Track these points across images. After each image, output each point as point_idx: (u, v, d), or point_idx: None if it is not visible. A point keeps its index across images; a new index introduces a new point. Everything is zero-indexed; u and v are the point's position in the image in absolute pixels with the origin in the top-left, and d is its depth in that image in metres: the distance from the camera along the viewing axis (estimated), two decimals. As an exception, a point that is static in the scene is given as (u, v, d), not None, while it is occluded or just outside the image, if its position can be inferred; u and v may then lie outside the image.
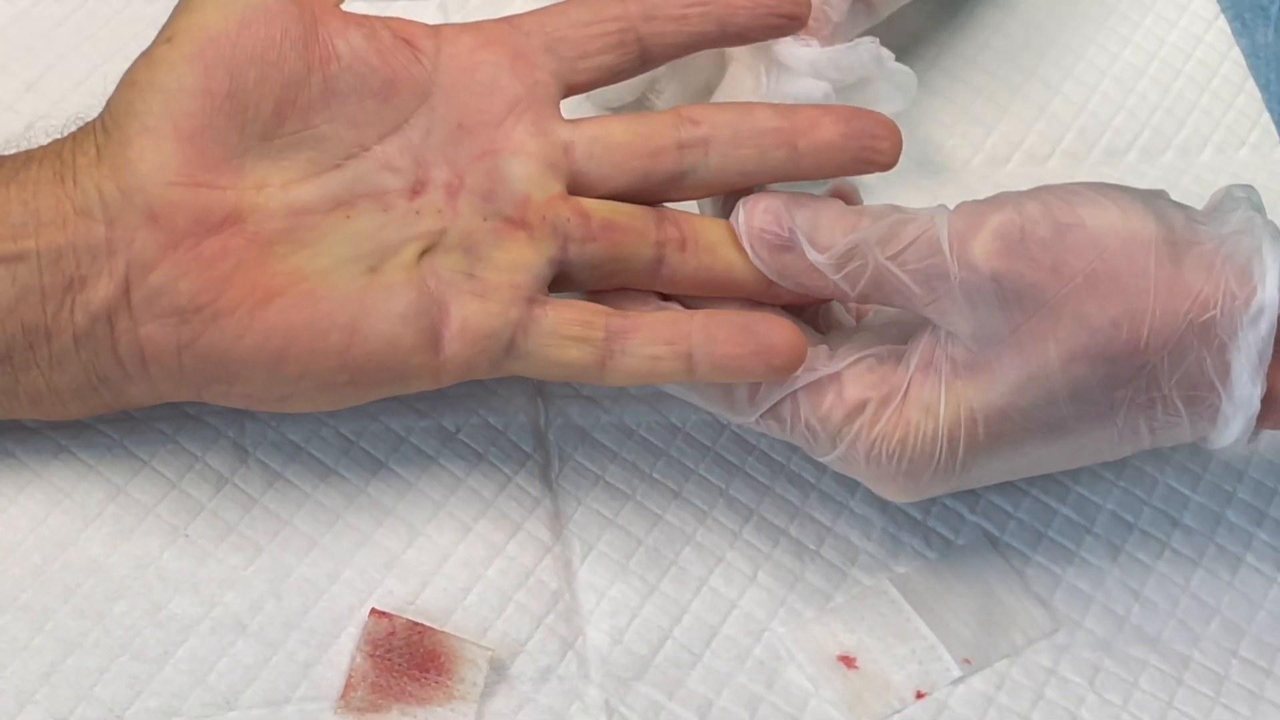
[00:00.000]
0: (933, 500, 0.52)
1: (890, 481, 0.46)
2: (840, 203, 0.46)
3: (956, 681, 0.48)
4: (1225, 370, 0.44)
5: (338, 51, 0.44)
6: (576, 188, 0.46)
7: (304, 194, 0.44)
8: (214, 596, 0.45)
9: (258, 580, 0.46)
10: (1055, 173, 0.59)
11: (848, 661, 0.48)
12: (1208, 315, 0.43)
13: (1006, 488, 0.52)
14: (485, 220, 0.45)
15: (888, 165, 0.48)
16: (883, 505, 0.51)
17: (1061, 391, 0.44)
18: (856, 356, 0.46)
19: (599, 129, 0.47)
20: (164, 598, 0.45)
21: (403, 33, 0.46)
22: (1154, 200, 0.45)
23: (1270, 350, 0.44)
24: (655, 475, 0.50)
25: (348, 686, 0.44)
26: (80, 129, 0.44)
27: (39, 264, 0.42)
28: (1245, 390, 0.44)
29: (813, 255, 0.45)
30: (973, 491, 0.52)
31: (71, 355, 0.43)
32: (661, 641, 0.48)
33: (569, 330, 0.45)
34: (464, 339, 0.44)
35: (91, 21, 0.55)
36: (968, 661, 0.48)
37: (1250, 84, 0.63)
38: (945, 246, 0.44)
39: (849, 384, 0.45)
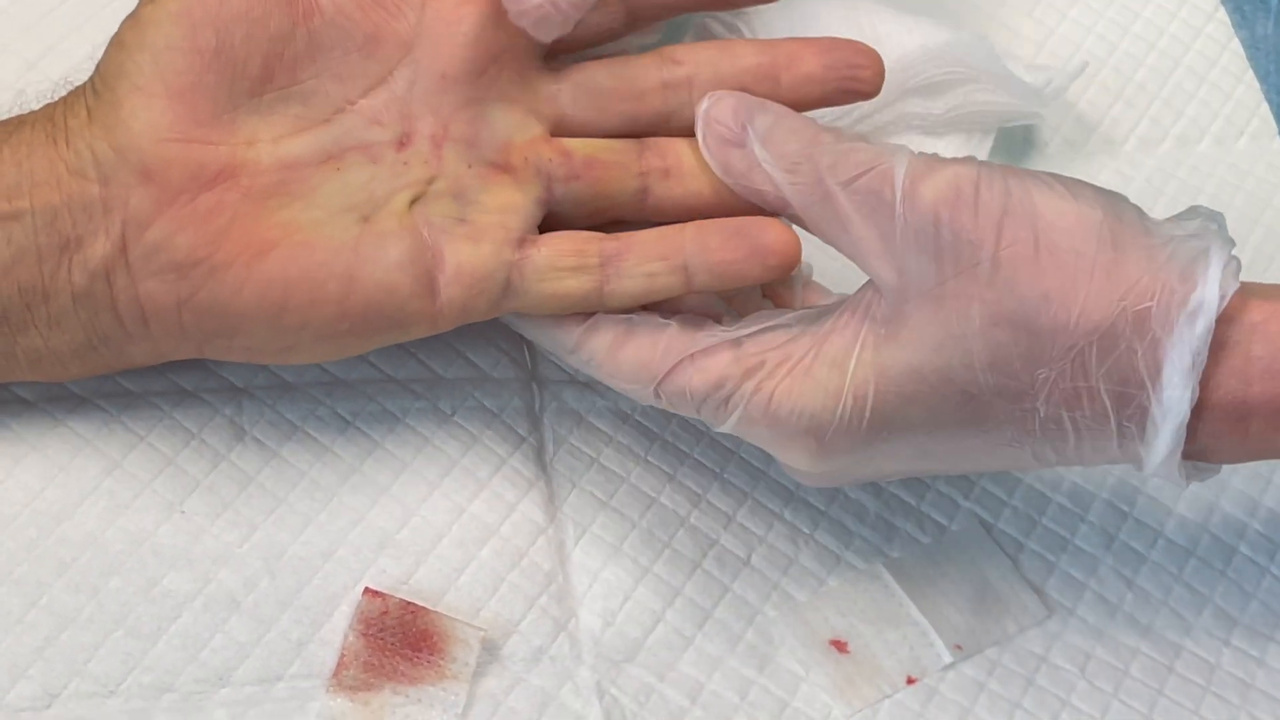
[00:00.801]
0: (927, 486, 0.52)
1: (792, 442, 0.44)
2: (807, 117, 0.46)
3: (948, 667, 0.48)
4: (1157, 369, 0.42)
5: (320, 6, 0.44)
6: (563, 134, 0.47)
7: (294, 148, 0.44)
8: (208, 573, 0.46)
9: (252, 558, 0.46)
10: (1053, 161, 0.59)
11: (839, 646, 0.48)
12: (1143, 305, 0.42)
13: (1001, 475, 0.52)
14: (470, 167, 0.45)
15: (870, 94, 0.47)
16: (877, 491, 0.51)
17: (980, 356, 0.42)
18: (761, 326, 0.45)
19: (583, 75, 0.47)
20: (158, 573, 0.45)
21: None
22: (1109, 194, 0.44)
23: (1205, 354, 0.42)
24: (650, 459, 0.51)
25: (340, 665, 0.44)
26: (71, 92, 0.45)
27: (34, 224, 0.42)
28: (1176, 393, 0.42)
29: (760, 154, 0.45)
30: (967, 478, 0.52)
31: (70, 315, 0.43)
32: (654, 624, 0.48)
33: (564, 261, 0.45)
34: (460, 283, 0.44)
35: (93, 1, 0.55)
36: (959, 647, 0.49)
37: (1250, 75, 0.63)
38: (898, 181, 0.43)
39: (749, 345, 0.45)
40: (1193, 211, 0.45)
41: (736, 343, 0.44)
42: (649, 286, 0.45)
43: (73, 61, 0.53)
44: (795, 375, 0.44)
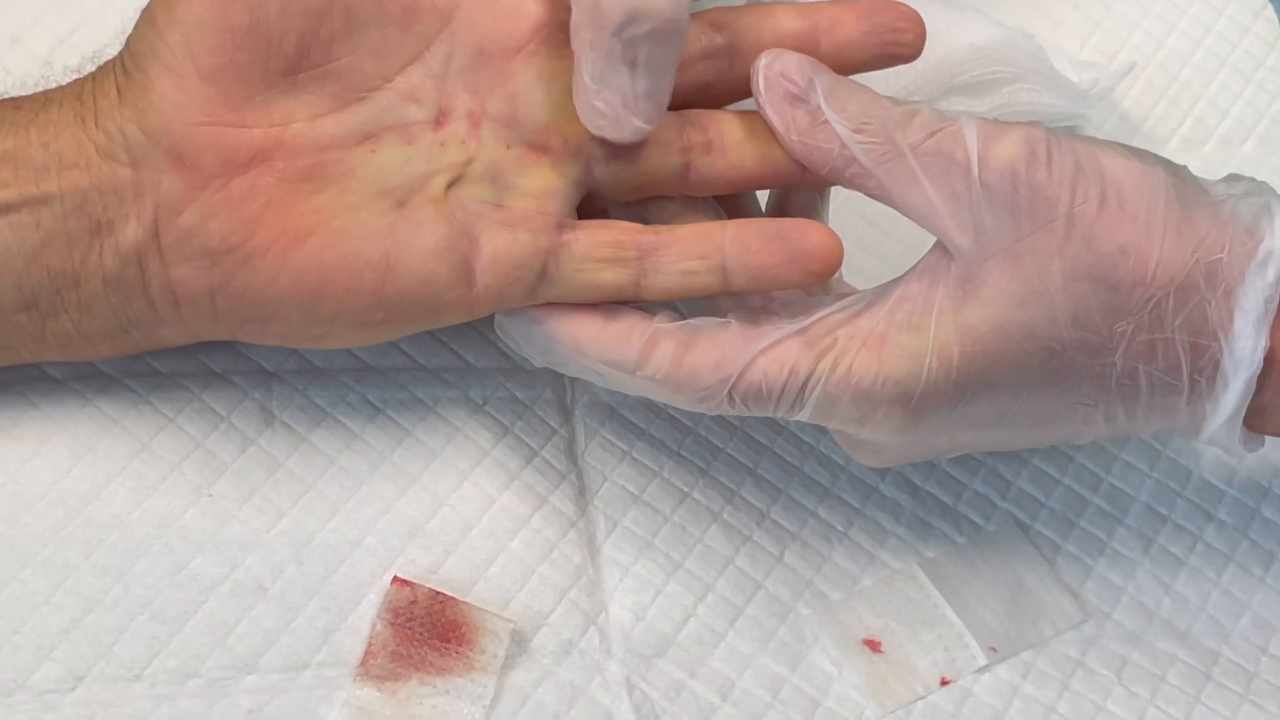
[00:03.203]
0: (964, 486, 0.51)
1: (878, 412, 0.44)
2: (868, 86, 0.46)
3: (982, 669, 0.48)
4: (1229, 319, 0.44)
5: None
6: None
7: (330, 128, 0.43)
8: (235, 558, 0.45)
9: (280, 544, 0.46)
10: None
11: (873, 645, 0.48)
12: (1215, 257, 0.43)
13: (1039, 476, 0.52)
14: (509, 148, 0.44)
15: (911, 56, 0.47)
16: (913, 489, 0.51)
17: (1062, 311, 0.43)
18: (823, 313, 0.44)
19: None
20: (185, 557, 0.45)
21: None
22: (1163, 158, 0.46)
23: (1276, 301, 0.44)
24: (683, 453, 0.50)
25: (368, 654, 0.44)
26: (99, 69, 0.44)
27: (63, 208, 0.42)
28: (1248, 343, 0.44)
29: (829, 112, 0.44)
30: (1004, 478, 0.51)
31: (101, 300, 0.43)
32: (685, 620, 0.47)
33: (601, 253, 0.44)
34: (495, 270, 0.44)
35: (127, -24, 0.55)
36: (994, 650, 0.48)
37: (1296, 75, 0.62)
38: (970, 142, 0.43)
39: (815, 329, 0.44)
40: (1236, 175, 0.46)
41: (802, 330, 0.44)
42: (685, 284, 0.44)
43: (105, 37, 0.53)
44: (871, 345, 0.43)
